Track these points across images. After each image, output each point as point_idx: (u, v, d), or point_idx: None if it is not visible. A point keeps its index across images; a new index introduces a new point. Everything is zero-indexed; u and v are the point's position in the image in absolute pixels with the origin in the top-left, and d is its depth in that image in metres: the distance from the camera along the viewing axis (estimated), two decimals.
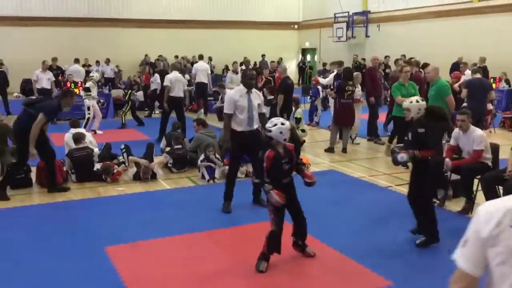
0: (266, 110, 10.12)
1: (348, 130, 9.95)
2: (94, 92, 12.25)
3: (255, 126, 6.24)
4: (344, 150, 9.73)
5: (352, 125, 9.96)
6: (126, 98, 13.83)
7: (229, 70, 23.84)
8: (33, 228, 5.69)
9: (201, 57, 17.18)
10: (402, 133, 8.55)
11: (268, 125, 4.60)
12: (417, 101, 5.03)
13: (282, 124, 4.56)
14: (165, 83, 11.13)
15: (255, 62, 22.66)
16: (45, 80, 13.34)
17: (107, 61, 20.91)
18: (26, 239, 5.36)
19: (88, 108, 12.00)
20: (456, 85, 10.35)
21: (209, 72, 17.35)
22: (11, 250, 5.08)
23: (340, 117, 9.70)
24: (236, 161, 6.47)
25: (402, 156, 4.89)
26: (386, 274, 4.44)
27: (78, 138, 8.00)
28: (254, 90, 6.33)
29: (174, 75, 11.20)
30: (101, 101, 12.96)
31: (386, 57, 18.41)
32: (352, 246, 5.09)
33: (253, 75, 6.42)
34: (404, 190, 7.12)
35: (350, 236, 5.44)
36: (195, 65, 18.08)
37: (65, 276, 4.48)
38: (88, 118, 11.98)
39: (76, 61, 18.65)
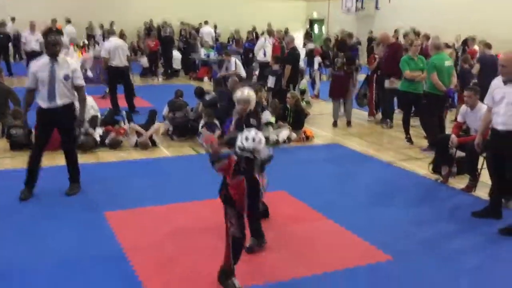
0: (271, 80, 10.04)
1: (350, 102, 9.72)
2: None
3: (59, 102, 5.38)
4: (349, 123, 9.61)
5: (344, 97, 9.54)
6: None
7: (234, 39, 23.57)
8: (37, 188, 5.61)
9: (206, 23, 17.08)
10: (409, 108, 8.45)
11: (248, 144, 3.45)
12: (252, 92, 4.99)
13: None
14: (102, 54, 10.18)
15: (262, 31, 22.31)
16: (33, 42, 13.00)
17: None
18: (30, 201, 5.37)
19: None
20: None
21: (213, 35, 17.10)
22: (10, 214, 5.07)
23: (333, 89, 9.55)
24: (40, 142, 5.59)
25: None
26: (386, 249, 4.41)
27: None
28: (62, 59, 5.45)
29: (112, 42, 10.06)
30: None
31: (395, 31, 18.06)
32: (353, 220, 5.05)
33: (55, 40, 5.37)
34: (408, 165, 7.10)
35: (351, 210, 5.40)
36: (200, 30, 17.91)
37: (64, 240, 4.48)
38: None
39: (68, 21, 18.44)
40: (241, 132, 3.63)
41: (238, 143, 3.49)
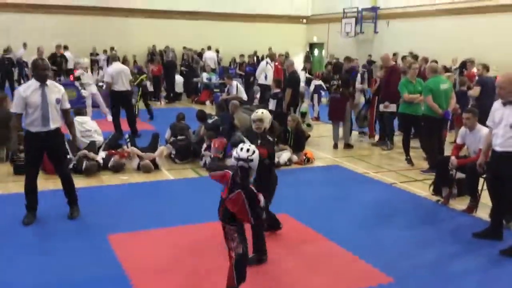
0: (272, 103, 10.14)
1: (347, 125, 9.77)
2: (85, 79, 12.01)
3: (53, 125, 5.41)
4: (346, 145, 9.67)
5: (341, 120, 9.57)
6: (135, 84, 12.32)
7: (236, 63, 23.90)
8: (39, 212, 5.66)
9: (209, 48, 17.45)
10: (409, 130, 8.54)
11: (243, 153, 3.71)
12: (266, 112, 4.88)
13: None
14: (105, 79, 10.20)
15: (263, 55, 22.62)
16: None
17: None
18: (34, 224, 5.40)
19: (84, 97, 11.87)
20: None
21: (216, 60, 17.34)
22: (14, 237, 5.10)
23: (330, 112, 9.64)
24: (33, 167, 5.56)
25: None
26: (388, 271, 4.42)
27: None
28: (51, 83, 5.51)
29: (115, 67, 10.12)
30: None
31: (394, 54, 18.30)
32: (354, 242, 5.07)
33: (46, 65, 5.45)
34: (409, 187, 7.12)
35: (352, 232, 5.42)
36: (204, 55, 18.20)
37: (67, 262, 4.51)
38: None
39: (66, 48, 18.56)
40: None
41: (234, 153, 3.76)
